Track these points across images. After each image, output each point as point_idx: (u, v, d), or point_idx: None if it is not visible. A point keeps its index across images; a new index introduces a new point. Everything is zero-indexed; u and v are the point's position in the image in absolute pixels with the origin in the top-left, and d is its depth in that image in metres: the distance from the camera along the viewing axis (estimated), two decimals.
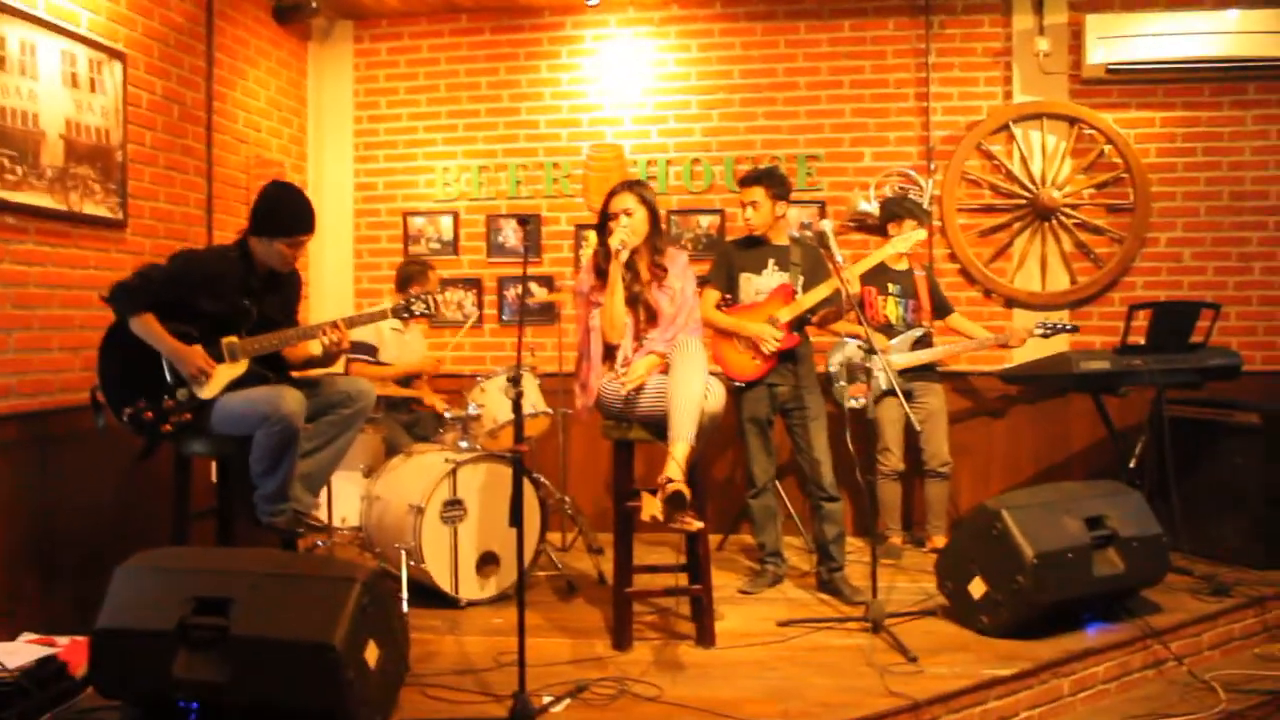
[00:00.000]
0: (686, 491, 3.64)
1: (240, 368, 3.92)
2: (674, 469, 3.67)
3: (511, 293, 6.58)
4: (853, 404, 5.21)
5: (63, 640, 3.64)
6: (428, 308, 4.25)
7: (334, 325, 4.05)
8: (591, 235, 6.31)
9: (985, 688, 3.63)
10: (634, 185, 4.26)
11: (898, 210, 5.50)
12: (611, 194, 4.24)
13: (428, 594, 4.63)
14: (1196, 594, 4.60)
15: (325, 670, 2.91)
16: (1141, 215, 6.10)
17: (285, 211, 4.00)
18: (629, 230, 4.13)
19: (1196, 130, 6.13)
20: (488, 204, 6.62)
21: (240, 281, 3.98)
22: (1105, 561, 4.15)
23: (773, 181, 4.79)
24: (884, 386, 4.40)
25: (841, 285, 4.48)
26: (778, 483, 5.34)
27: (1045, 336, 5.45)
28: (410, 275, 5.72)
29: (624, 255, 4.09)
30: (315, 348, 4.14)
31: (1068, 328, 5.49)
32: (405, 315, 4.22)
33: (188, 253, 4.14)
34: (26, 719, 3.19)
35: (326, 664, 2.91)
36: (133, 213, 4.88)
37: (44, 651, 3.48)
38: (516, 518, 3.31)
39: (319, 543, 4.89)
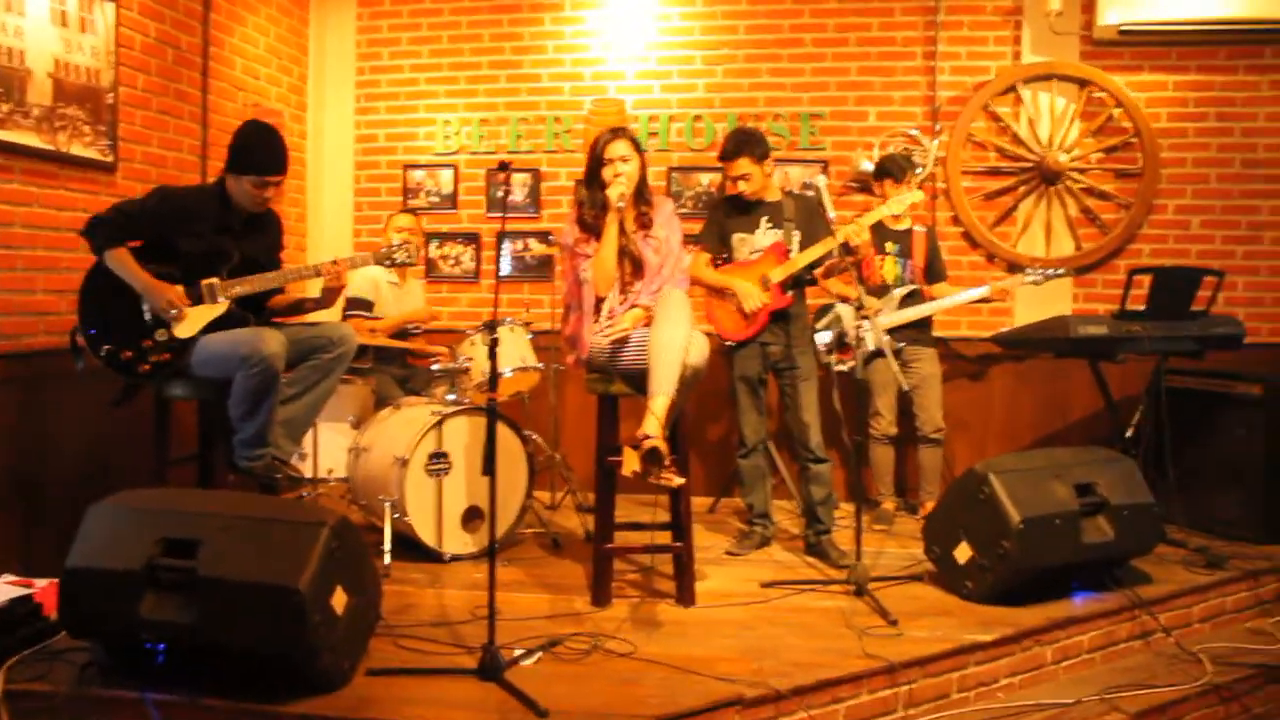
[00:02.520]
0: (664, 448, 3.58)
1: (219, 309, 3.89)
2: (652, 424, 3.61)
3: (510, 247, 6.52)
4: (840, 368, 5.15)
5: (41, 582, 3.62)
6: (409, 256, 4.21)
7: (333, 262, 4.05)
8: None
9: (964, 652, 3.59)
10: (624, 132, 4.17)
11: (885, 168, 5.40)
12: (601, 141, 4.13)
13: (412, 547, 4.60)
14: (1189, 566, 4.55)
15: (290, 614, 2.88)
16: (1150, 181, 5.99)
17: (256, 149, 3.98)
18: (626, 179, 4.06)
19: (1210, 95, 6.01)
20: (488, 158, 6.55)
21: (218, 220, 3.95)
22: (1094, 529, 4.10)
23: (752, 146, 4.66)
24: (871, 347, 4.33)
25: (836, 244, 4.39)
26: (770, 445, 5.29)
27: (1038, 284, 5.36)
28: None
29: (623, 206, 4.03)
30: (314, 288, 4.11)
31: (1060, 273, 5.39)
32: (388, 263, 4.19)
33: (165, 188, 4.11)
34: None
35: (291, 608, 2.87)
36: (123, 156, 4.83)
37: (19, 592, 3.46)
38: (489, 466, 3.27)
39: (304, 494, 4.87)
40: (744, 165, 4.63)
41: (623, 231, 4.08)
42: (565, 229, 4.21)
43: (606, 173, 4.08)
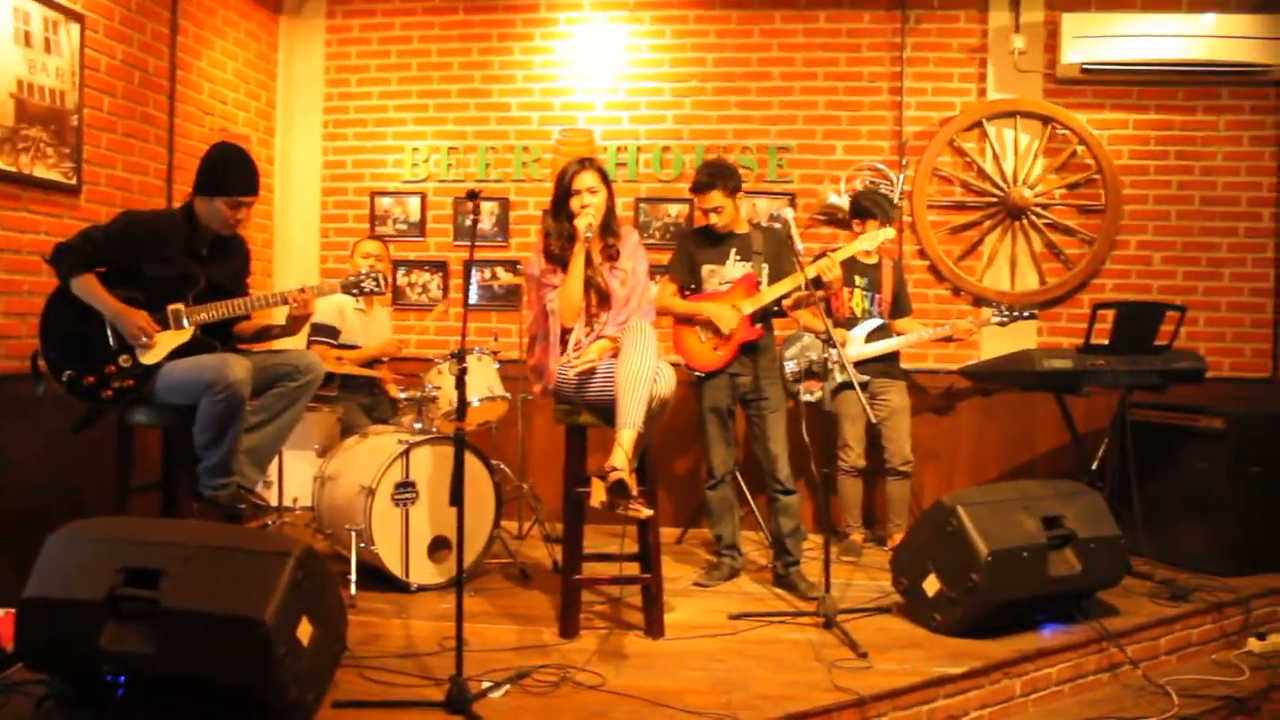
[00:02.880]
0: (631, 480, 3.57)
1: (185, 335, 3.85)
2: (619, 457, 3.59)
3: (479, 276, 6.50)
4: (807, 398, 5.16)
5: None
6: (378, 285, 4.18)
7: (300, 290, 4.01)
8: None
9: (934, 685, 3.57)
10: (592, 163, 4.16)
11: (867, 206, 5.39)
12: (569, 172, 4.11)
13: (378, 577, 4.55)
14: (1155, 598, 4.56)
15: (255, 646, 2.83)
16: (1112, 217, 6.07)
17: (228, 170, 3.95)
18: (594, 210, 4.05)
19: (1170, 134, 6.12)
20: (456, 186, 6.53)
21: (185, 245, 3.91)
22: (1062, 561, 4.12)
23: (726, 179, 4.67)
24: (839, 379, 4.34)
25: (805, 279, 4.40)
26: (739, 476, 5.28)
27: (1002, 324, 5.40)
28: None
29: (591, 237, 4.02)
30: (279, 315, 4.07)
31: (1025, 314, 5.42)
32: (355, 291, 4.16)
33: (131, 213, 4.07)
34: None
35: (257, 639, 2.82)
36: (88, 178, 4.78)
37: None
38: (457, 496, 3.24)
39: (269, 522, 4.81)
40: (717, 198, 4.64)
41: (589, 263, 4.06)
42: (531, 259, 4.19)
43: (574, 203, 4.06)
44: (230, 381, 3.69)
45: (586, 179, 4.08)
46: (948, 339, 5.53)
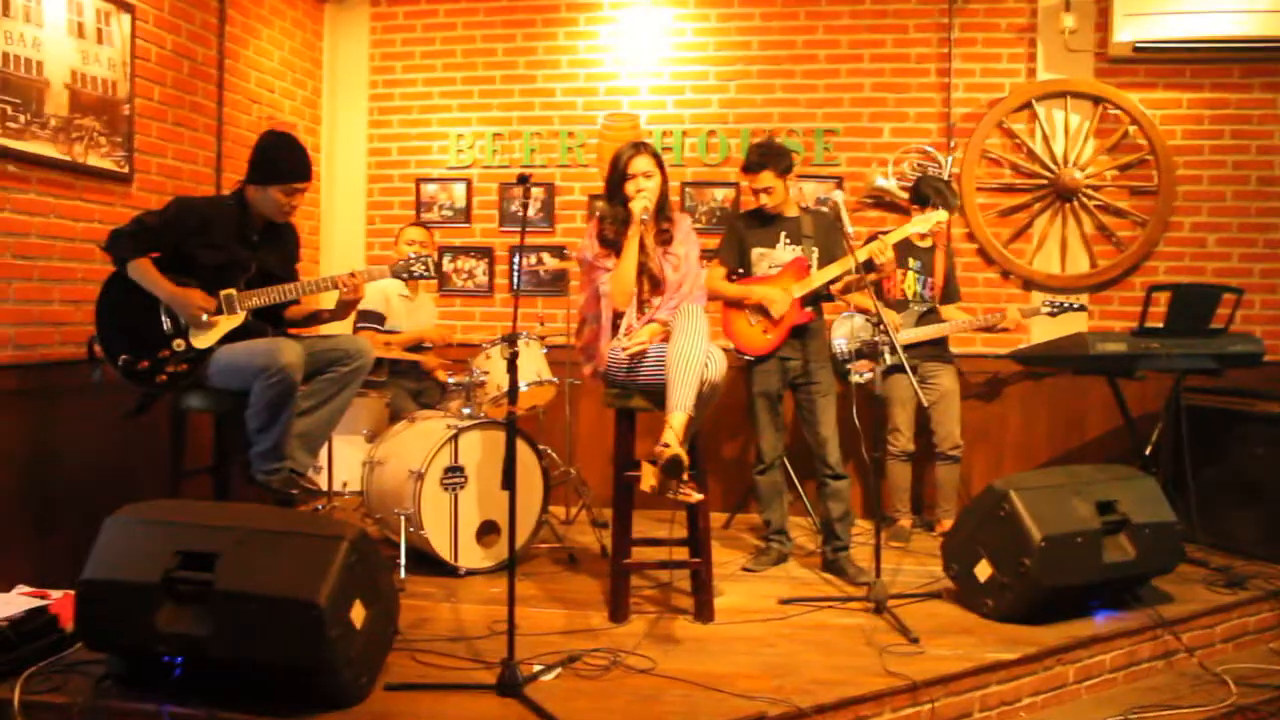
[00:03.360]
0: (684, 457, 3.56)
1: (237, 319, 3.89)
2: (670, 437, 3.59)
3: (524, 262, 6.51)
4: (857, 379, 5.12)
5: (56, 594, 3.60)
6: (427, 270, 4.18)
7: (350, 275, 4.04)
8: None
9: (987, 671, 3.55)
10: (647, 147, 4.15)
11: (927, 193, 5.32)
12: (624, 155, 4.10)
13: (427, 561, 4.58)
14: (1211, 585, 4.50)
15: (309, 628, 2.85)
16: (1165, 198, 5.97)
17: (281, 158, 3.99)
18: (649, 194, 4.04)
19: (1225, 112, 5.99)
20: (501, 172, 6.54)
21: (237, 230, 3.95)
22: (1116, 547, 4.05)
23: (778, 160, 4.64)
24: (890, 361, 4.31)
25: (855, 261, 4.37)
26: (786, 461, 5.26)
27: (1053, 314, 5.34)
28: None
29: (646, 220, 4.01)
30: (329, 300, 4.10)
31: (1075, 306, 5.37)
32: (404, 276, 4.17)
33: (184, 199, 4.10)
34: (14, 670, 3.14)
35: (310, 622, 2.85)
36: (139, 167, 4.83)
37: (35, 603, 3.44)
38: (509, 480, 3.25)
39: (318, 506, 4.85)
40: (768, 178, 4.61)
41: (642, 248, 4.06)
42: (585, 243, 4.19)
43: (629, 187, 4.06)
44: (282, 366, 3.72)
45: (641, 163, 4.07)
46: (989, 329, 5.46)
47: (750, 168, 4.65)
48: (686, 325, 3.82)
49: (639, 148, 4.13)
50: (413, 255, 4.28)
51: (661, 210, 4.13)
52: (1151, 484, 4.36)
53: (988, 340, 5.96)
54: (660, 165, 4.11)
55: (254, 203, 4.00)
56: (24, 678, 3.10)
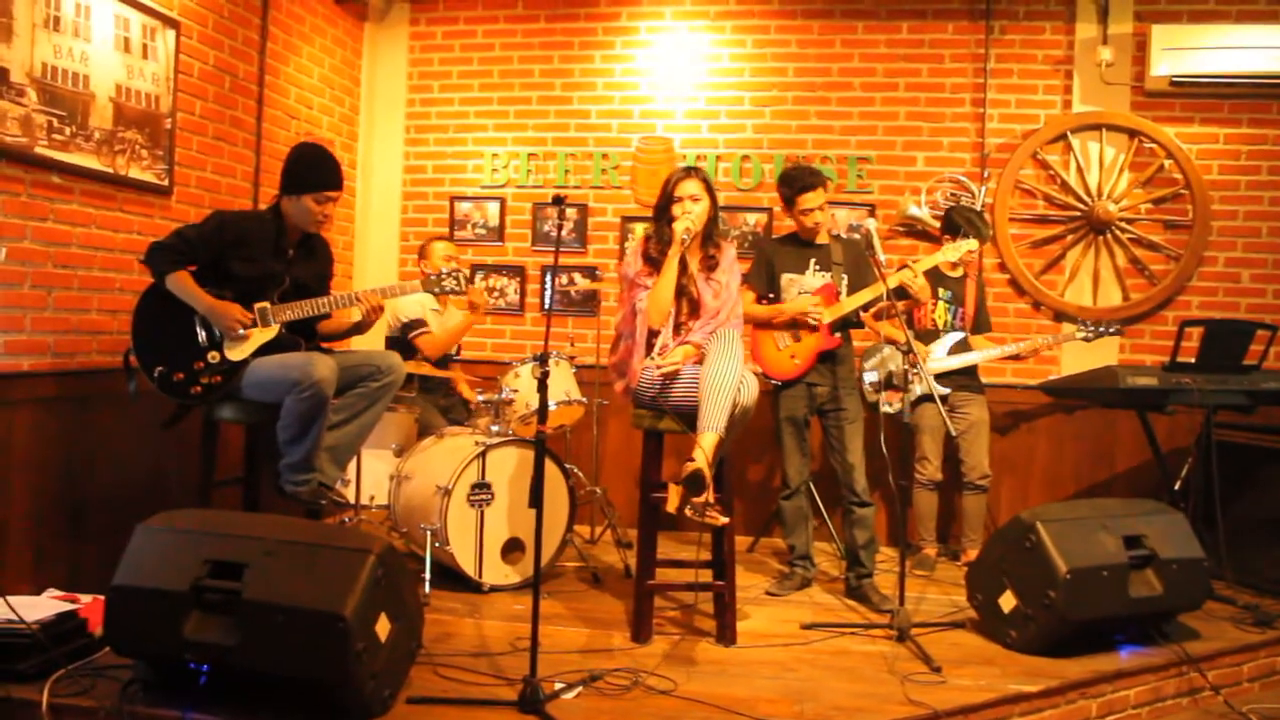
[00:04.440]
0: (707, 473, 3.57)
1: (271, 332, 3.94)
2: (699, 456, 3.61)
3: (556, 282, 6.53)
4: (887, 409, 5.12)
5: (85, 598, 3.64)
6: (458, 284, 4.21)
7: (375, 293, 4.10)
8: (638, 228, 6.36)
9: (1009, 702, 3.53)
10: (698, 172, 4.21)
11: (959, 223, 5.30)
12: (674, 178, 4.17)
13: (451, 576, 4.61)
14: (1239, 624, 4.45)
15: (335, 640, 2.88)
16: (1200, 233, 5.95)
17: (313, 167, 4.07)
18: (694, 218, 4.08)
19: (1263, 148, 5.96)
20: (535, 192, 6.59)
21: (273, 244, 4.01)
22: (1142, 582, 4.02)
23: (825, 181, 4.71)
24: (920, 391, 4.31)
25: (886, 288, 4.39)
26: (812, 486, 5.25)
27: (1088, 340, 5.33)
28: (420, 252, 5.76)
29: (687, 241, 4.04)
30: (355, 314, 4.14)
31: (1111, 330, 5.35)
32: (436, 290, 4.21)
33: (222, 213, 4.16)
34: (42, 673, 3.18)
35: (336, 634, 2.88)
36: (179, 180, 4.90)
37: (65, 607, 3.48)
38: (536, 498, 3.27)
39: (345, 519, 4.88)
40: (820, 197, 4.65)
41: (685, 270, 4.09)
42: (629, 260, 4.23)
43: (676, 209, 4.11)
44: (316, 380, 3.77)
45: (690, 186, 4.13)
46: (1017, 356, 5.45)
47: (805, 188, 4.65)
48: (723, 348, 3.85)
49: (690, 172, 4.20)
50: (445, 270, 4.31)
51: (709, 236, 4.18)
52: (1180, 519, 4.33)
53: (1017, 371, 5.94)
54: (710, 191, 4.17)
55: (288, 215, 4.06)
56: (52, 680, 3.15)
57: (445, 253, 5.62)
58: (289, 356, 3.91)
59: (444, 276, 4.23)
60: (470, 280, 4.36)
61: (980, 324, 5.55)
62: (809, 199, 4.64)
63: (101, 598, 3.26)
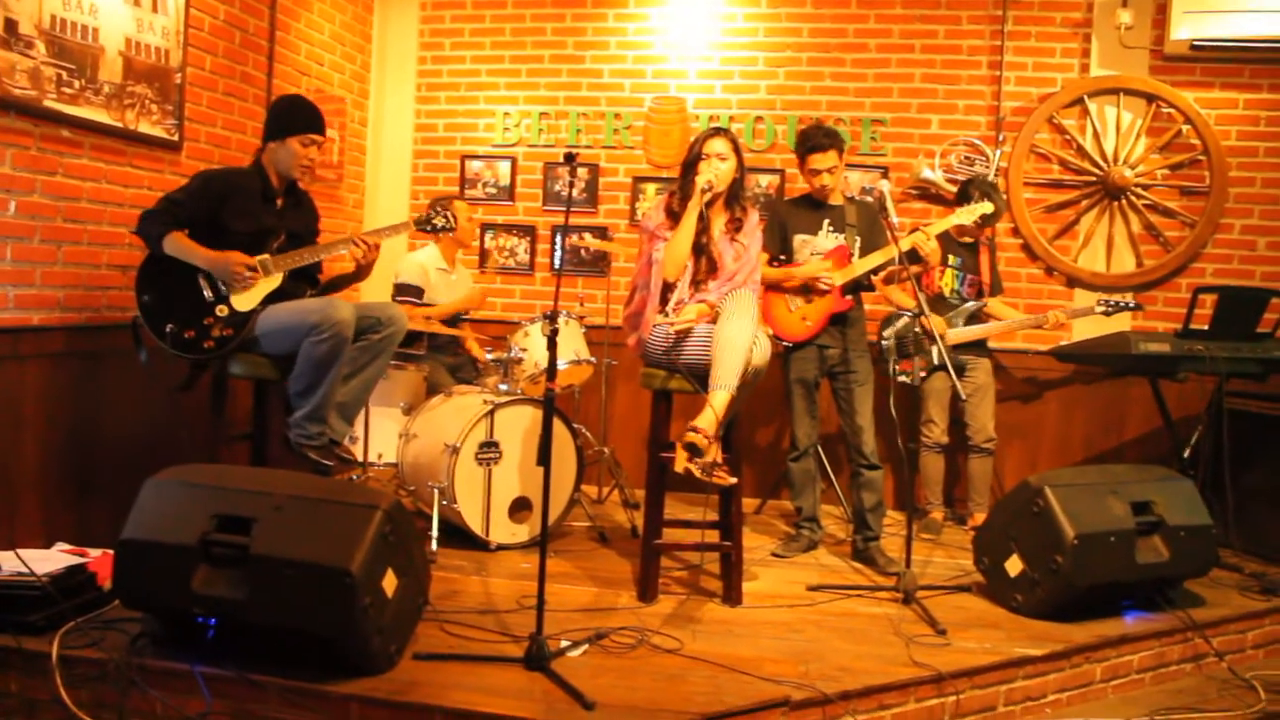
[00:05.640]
0: (705, 445, 3.58)
1: (275, 281, 3.96)
2: (708, 418, 3.60)
3: (567, 241, 6.53)
4: (903, 379, 5.10)
5: (94, 552, 3.67)
6: (448, 223, 4.27)
7: (361, 238, 4.09)
8: (649, 188, 6.33)
9: (1013, 665, 3.55)
10: (727, 132, 4.19)
11: (973, 194, 5.17)
12: (704, 136, 4.16)
13: (458, 535, 4.63)
14: (1244, 591, 4.47)
15: (341, 595, 2.89)
16: (1217, 199, 5.89)
17: (298, 109, 4.15)
18: (719, 174, 4.06)
19: None
20: (546, 151, 6.56)
21: (261, 197, 4.04)
22: (1149, 548, 4.02)
23: (840, 142, 4.66)
24: (936, 362, 4.30)
25: (898, 251, 4.35)
26: (820, 449, 5.25)
27: (1107, 314, 5.29)
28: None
29: (708, 196, 4.03)
30: (348, 262, 4.14)
31: (1130, 305, 5.32)
32: (428, 229, 4.26)
33: (205, 171, 4.20)
34: (52, 625, 3.21)
35: (343, 589, 2.89)
36: (188, 135, 4.88)
37: (74, 560, 3.51)
38: (545, 456, 3.27)
39: (353, 476, 4.89)
40: (834, 158, 4.62)
41: (707, 230, 4.09)
42: (651, 213, 4.21)
43: (701, 166, 4.09)
44: (336, 321, 3.78)
45: (717, 144, 4.11)
46: (1038, 327, 5.43)
47: (817, 147, 4.62)
48: (738, 308, 3.84)
49: (719, 130, 4.19)
50: (433, 211, 4.37)
51: (735, 198, 4.17)
52: (1189, 486, 4.32)
53: (1028, 336, 5.92)
54: (738, 152, 4.14)
55: (274, 163, 4.09)
56: (62, 632, 3.17)
57: (468, 213, 5.62)
58: (306, 302, 3.94)
59: (434, 215, 4.31)
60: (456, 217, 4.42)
61: (994, 287, 5.53)
62: (817, 159, 4.61)
63: (110, 552, 3.28)
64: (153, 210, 3.91)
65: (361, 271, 4.20)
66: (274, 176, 4.10)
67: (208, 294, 3.88)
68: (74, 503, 4.23)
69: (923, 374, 5.14)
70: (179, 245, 3.86)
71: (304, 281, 4.11)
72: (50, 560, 3.48)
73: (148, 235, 3.88)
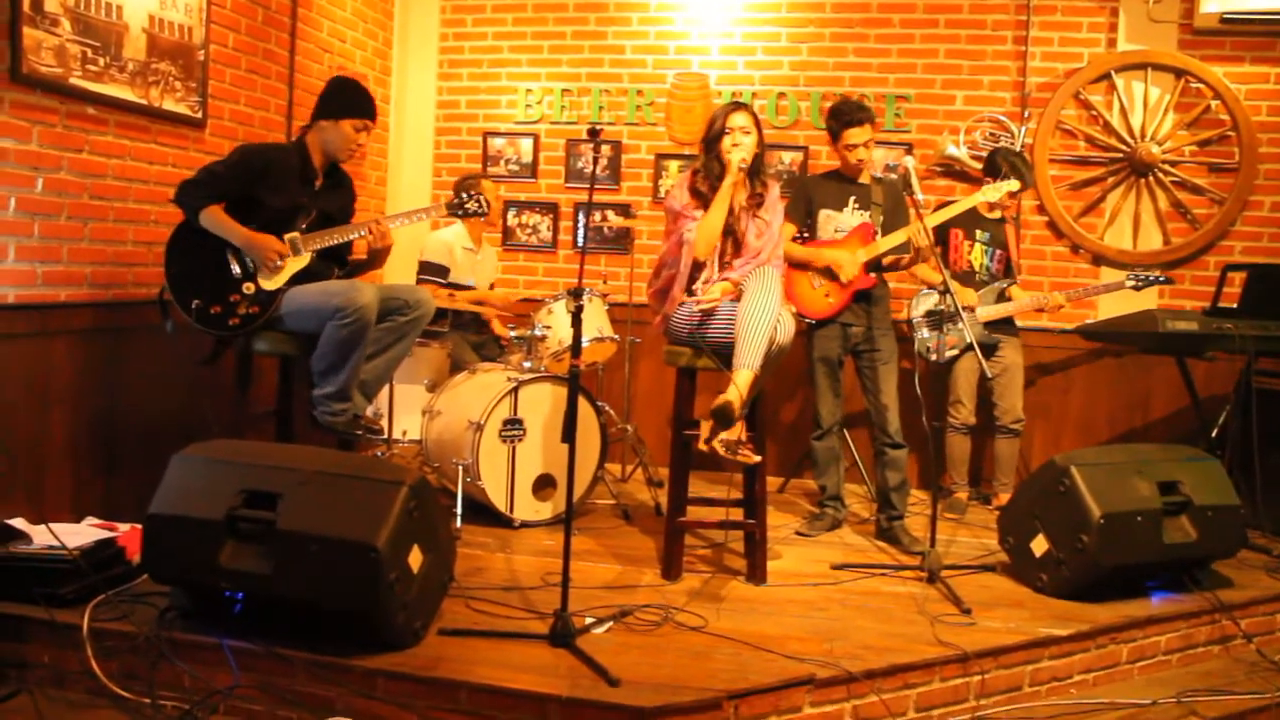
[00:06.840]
0: (736, 408, 3.56)
1: (303, 260, 3.96)
2: (733, 393, 3.59)
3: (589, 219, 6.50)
4: (933, 357, 5.08)
5: (123, 526, 3.70)
6: (480, 207, 4.24)
7: (375, 222, 4.09)
8: (672, 165, 6.30)
9: (1039, 645, 3.52)
10: (746, 106, 4.18)
11: (1003, 167, 5.18)
12: (724, 111, 4.12)
13: (483, 512, 4.64)
14: (1273, 573, 4.42)
15: (367, 571, 2.90)
16: (1246, 176, 5.82)
17: (355, 93, 4.14)
18: (747, 149, 4.04)
19: None
20: (569, 128, 6.54)
21: (299, 174, 4.03)
22: (1176, 529, 3.99)
23: (874, 117, 4.65)
24: (969, 339, 4.27)
25: (925, 230, 4.30)
26: (844, 428, 5.24)
27: (1137, 288, 5.23)
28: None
29: (745, 169, 4.02)
30: (361, 248, 4.15)
31: (1159, 279, 5.26)
32: (460, 213, 4.22)
33: (246, 146, 4.20)
34: (83, 598, 3.24)
35: (368, 565, 2.90)
36: (212, 113, 4.88)
37: (104, 534, 3.54)
38: (569, 433, 3.27)
39: (378, 453, 4.91)
40: (868, 132, 4.60)
41: (732, 208, 4.06)
42: (675, 193, 4.18)
43: (726, 141, 4.06)
44: (359, 305, 3.78)
45: (739, 119, 4.09)
46: (1040, 309, 5.40)
47: (854, 121, 4.59)
48: (761, 285, 3.82)
49: (739, 105, 4.18)
50: (466, 195, 4.34)
51: (756, 173, 4.14)
52: (1216, 466, 4.28)
53: (1053, 314, 5.88)
54: (758, 126, 4.12)
55: (322, 141, 4.08)
56: (92, 605, 3.21)
57: (494, 191, 5.61)
58: (331, 284, 3.93)
59: (466, 199, 4.28)
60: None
61: (1011, 270, 5.49)
62: (854, 134, 4.58)
63: (138, 526, 3.30)
64: (192, 180, 3.91)
65: (374, 259, 4.21)
66: (317, 155, 4.10)
67: (236, 270, 3.89)
68: (101, 477, 4.26)
69: (952, 352, 5.12)
70: (216, 220, 3.87)
71: (332, 262, 4.12)
72: (81, 534, 3.51)
73: (187, 205, 3.88)
